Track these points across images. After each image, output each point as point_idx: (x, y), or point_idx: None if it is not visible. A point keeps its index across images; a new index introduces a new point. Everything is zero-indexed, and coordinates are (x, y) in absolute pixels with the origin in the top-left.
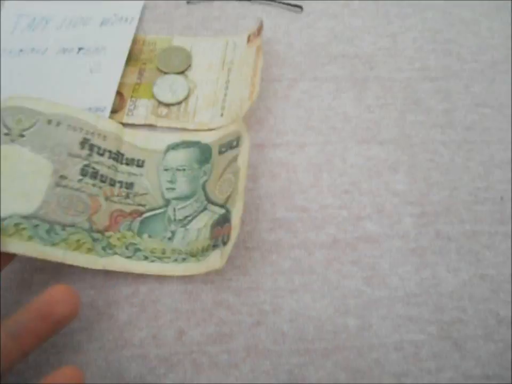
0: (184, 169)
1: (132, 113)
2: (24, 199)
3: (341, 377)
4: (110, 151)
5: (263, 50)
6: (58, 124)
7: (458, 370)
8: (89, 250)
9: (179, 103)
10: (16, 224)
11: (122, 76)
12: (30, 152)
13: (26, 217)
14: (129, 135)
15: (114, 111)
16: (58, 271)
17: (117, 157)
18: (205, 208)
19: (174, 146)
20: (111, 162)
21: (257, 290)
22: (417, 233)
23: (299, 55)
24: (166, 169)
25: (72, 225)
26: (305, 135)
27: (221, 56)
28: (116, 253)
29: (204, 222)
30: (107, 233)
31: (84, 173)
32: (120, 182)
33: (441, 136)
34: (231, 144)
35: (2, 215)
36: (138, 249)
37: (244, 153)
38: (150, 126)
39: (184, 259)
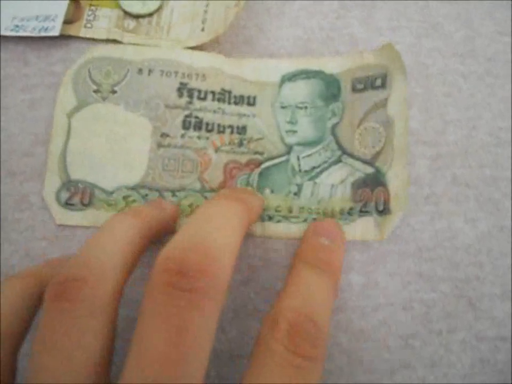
0: (306, 107)
1: (91, 25)
2: (128, 167)
3: (342, 339)
4: (213, 92)
5: None
6: (150, 71)
7: (471, 331)
8: None
9: (150, 14)
10: (125, 197)
11: None
12: (125, 111)
13: (133, 188)
14: (233, 66)
15: (68, 21)
16: None
17: (223, 96)
18: (339, 160)
19: (290, 77)
20: (216, 104)
21: (246, 243)
22: (431, 178)
23: None
24: (283, 107)
25: (183, 189)
26: (301, 57)
27: None
28: None
29: (339, 177)
30: None
31: (186, 125)
32: (231, 126)
33: (461, 66)
34: (373, 82)
35: (110, 189)
36: None
37: (397, 100)
38: (114, 42)
39: (314, 219)
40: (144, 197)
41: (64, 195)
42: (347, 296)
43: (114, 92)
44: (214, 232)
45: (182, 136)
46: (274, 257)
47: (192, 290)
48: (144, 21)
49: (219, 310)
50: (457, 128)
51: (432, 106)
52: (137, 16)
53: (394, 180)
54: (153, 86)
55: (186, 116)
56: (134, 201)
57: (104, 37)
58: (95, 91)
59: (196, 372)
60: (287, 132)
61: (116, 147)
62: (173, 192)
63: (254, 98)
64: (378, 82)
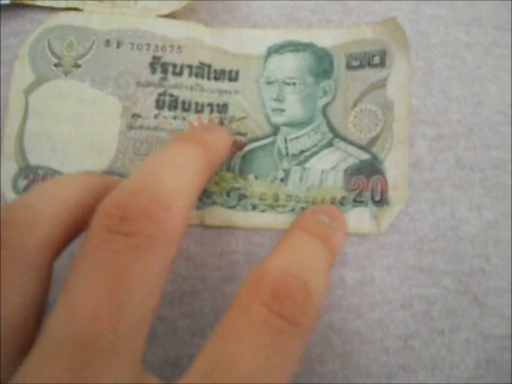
0: (294, 83)
1: None
2: (95, 152)
3: (335, 341)
4: (190, 66)
5: None
6: (119, 44)
7: (476, 329)
8: None
9: None
10: None
11: None
12: (91, 89)
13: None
14: (213, 37)
15: None
16: None
17: (201, 70)
18: (330, 144)
19: (277, 49)
20: (193, 80)
21: (227, 236)
22: (433, 161)
23: None
24: (269, 82)
25: None
26: (290, 27)
27: None
28: (215, 202)
29: (330, 162)
30: None
31: (160, 104)
32: (210, 104)
33: (466, 36)
34: (370, 60)
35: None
36: (243, 196)
37: (398, 81)
38: (75, 11)
39: (304, 209)
40: None
41: (22, 182)
42: (340, 293)
43: (78, 66)
44: (166, 177)
45: (156, 116)
46: (259, 252)
47: (135, 234)
48: None
49: (168, 261)
50: (461, 106)
51: (433, 81)
52: None
53: (393, 168)
54: (122, 61)
55: (160, 94)
56: None
57: (63, 5)
58: (55, 65)
59: (134, 326)
60: (273, 110)
61: (81, 129)
62: None
63: (237, 72)
64: (377, 59)
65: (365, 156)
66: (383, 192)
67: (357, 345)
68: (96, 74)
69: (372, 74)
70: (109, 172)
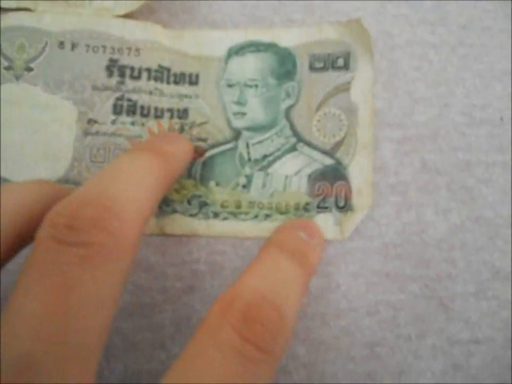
0: (256, 85)
1: None
2: (50, 160)
3: (299, 351)
4: (148, 69)
5: None
6: (73, 46)
7: (442, 334)
8: None
9: None
10: None
11: None
12: (44, 93)
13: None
14: (172, 38)
15: None
16: None
17: (160, 74)
18: (293, 148)
19: (238, 50)
20: (152, 84)
21: (188, 246)
22: (398, 165)
23: None
24: (230, 85)
25: None
26: (251, 27)
27: None
28: (175, 211)
29: (294, 167)
30: None
31: (117, 110)
32: (170, 110)
33: (431, 36)
34: (334, 62)
35: None
36: (204, 203)
37: (362, 85)
38: (26, 11)
39: (267, 216)
40: None
41: None
42: (304, 302)
43: (30, 69)
44: (119, 186)
45: (113, 122)
46: (221, 261)
47: (84, 244)
48: None
49: (122, 272)
50: (427, 107)
51: (398, 83)
52: None
53: (357, 174)
54: (77, 64)
55: (118, 99)
56: None
57: (14, 5)
58: (6, 68)
59: (84, 342)
60: (234, 114)
61: (34, 136)
62: None
63: (197, 76)
64: (340, 62)
65: (329, 161)
66: (347, 198)
67: (322, 354)
68: (50, 78)
69: (335, 77)
70: (65, 181)
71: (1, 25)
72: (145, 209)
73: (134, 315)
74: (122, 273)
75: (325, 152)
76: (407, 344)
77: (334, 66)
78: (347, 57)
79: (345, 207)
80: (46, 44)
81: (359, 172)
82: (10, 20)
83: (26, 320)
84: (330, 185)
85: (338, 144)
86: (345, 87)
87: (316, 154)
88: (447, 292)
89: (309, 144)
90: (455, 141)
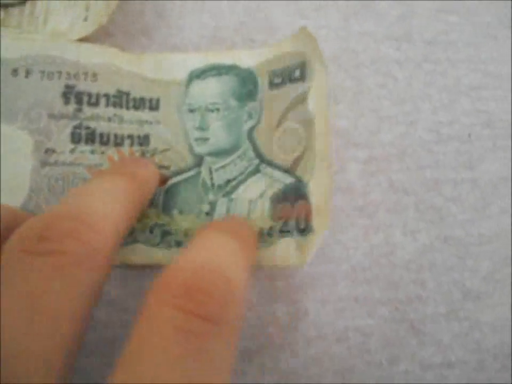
0: (217, 109)
1: None
2: (6, 192)
3: (267, 381)
4: (106, 95)
5: None
6: (27, 72)
7: (414, 359)
8: None
9: (22, 3)
10: None
11: None
12: None
13: None
14: (131, 62)
15: None
16: None
17: (119, 99)
18: (257, 170)
19: (199, 74)
20: (111, 111)
21: (151, 276)
22: (365, 185)
23: None
24: (191, 110)
25: None
26: (212, 50)
27: None
28: (136, 240)
29: (257, 190)
30: None
31: (75, 138)
32: (130, 136)
33: (396, 52)
34: (291, 74)
35: None
36: (167, 233)
37: (318, 92)
38: None
39: None
40: None
41: None
42: (272, 331)
43: None
44: (95, 203)
45: (72, 151)
46: None
47: (54, 253)
48: (14, 11)
49: (94, 285)
50: (393, 125)
51: (364, 101)
52: (5, 5)
53: (316, 191)
54: (32, 91)
55: (75, 127)
56: None
57: None
58: None
59: (42, 350)
60: (196, 140)
61: None
62: None
63: (157, 100)
64: (297, 73)
65: (289, 179)
66: (307, 218)
67: None
68: (4, 107)
69: (293, 90)
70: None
71: None
72: (120, 225)
73: (95, 352)
74: (95, 285)
75: (286, 171)
76: (379, 370)
77: (291, 79)
78: (303, 67)
79: (306, 229)
80: None
81: (317, 188)
82: None
83: (2, 330)
84: (291, 206)
85: (298, 160)
86: (302, 98)
87: (278, 174)
88: (417, 314)
89: (270, 164)
90: (422, 159)
